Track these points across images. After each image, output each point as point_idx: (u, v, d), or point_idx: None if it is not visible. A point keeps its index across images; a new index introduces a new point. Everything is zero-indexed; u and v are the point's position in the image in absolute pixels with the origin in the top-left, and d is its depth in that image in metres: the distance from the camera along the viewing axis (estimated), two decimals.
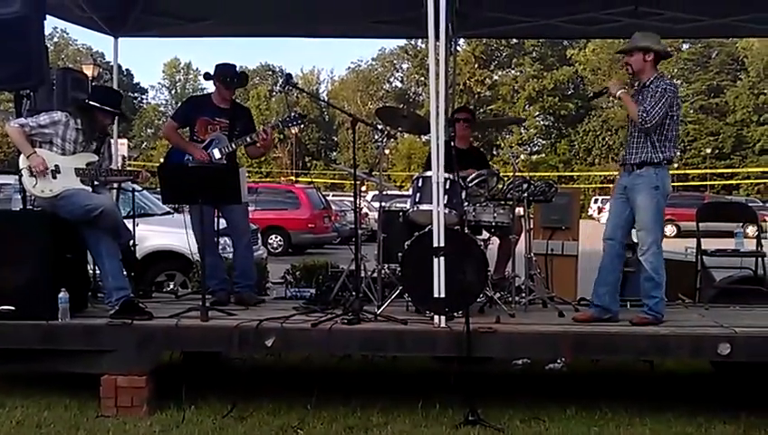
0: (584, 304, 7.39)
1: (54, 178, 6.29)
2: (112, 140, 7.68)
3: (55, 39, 70.20)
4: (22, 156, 6.28)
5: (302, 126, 57.55)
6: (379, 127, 8.05)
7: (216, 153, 7.09)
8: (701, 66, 67.81)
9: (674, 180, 6.87)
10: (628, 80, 6.34)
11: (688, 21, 8.62)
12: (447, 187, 6.29)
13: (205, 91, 7.54)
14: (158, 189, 7.15)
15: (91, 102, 6.50)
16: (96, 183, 6.53)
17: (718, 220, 8.89)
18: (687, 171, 56.27)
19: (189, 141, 7.22)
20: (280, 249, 22.34)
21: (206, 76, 7.37)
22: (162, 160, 8.63)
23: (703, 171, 59.18)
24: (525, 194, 7.08)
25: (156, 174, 6.81)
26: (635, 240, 6.42)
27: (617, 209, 6.43)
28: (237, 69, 7.47)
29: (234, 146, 7.13)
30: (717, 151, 64.16)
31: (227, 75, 7.22)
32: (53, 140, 6.36)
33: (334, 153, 79.45)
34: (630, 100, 6.24)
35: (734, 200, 32.25)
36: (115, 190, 7.57)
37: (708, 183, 57.92)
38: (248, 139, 7.15)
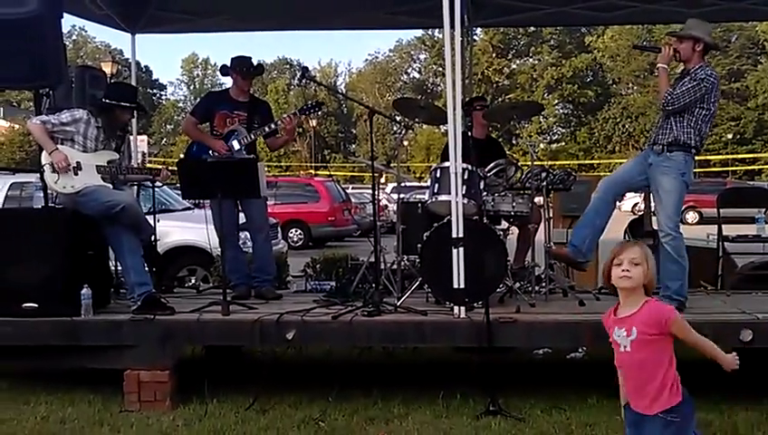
0: (605, 292, 7.35)
1: (76, 174, 6.33)
2: (131, 137, 7.71)
3: (73, 37, 70.76)
4: (44, 152, 6.33)
5: (320, 115, 57.68)
6: (397, 118, 8.04)
7: (236, 144, 7.12)
8: (721, 50, 67.08)
9: (695, 166, 6.82)
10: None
11: (707, 5, 8.53)
12: (466, 177, 6.29)
13: (223, 87, 7.58)
14: (178, 185, 7.19)
15: (107, 101, 6.54)
16: (117, 181, 6.57)
17: (740, 206, 8.83)
18: (709, 157, 55.68)
19: (208, 135, 7.26)
20: (300, 243, 22.37)
21: (223, 70, 7.41)
22: (182, 156, 8.67)
23: (724, 157, 58.58)
24: (544, 183, 7.06)
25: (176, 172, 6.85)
26: (655, 227, 6.38)
27: (631, 168, 6.43)
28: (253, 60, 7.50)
29: (253, 136, 7.17)
30: (739, 137, 63.51)
31: (243, 65, 7.27)
32: (75, 138, 6.41)
33: (353, 146, 79.46)
34: (666, 78, 6.20)
35: (756, 186, 31.88)
36: (136, 186, 7.61)
37: (730, 169, 57.38)
38: (266, 129, 7.19)
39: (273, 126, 7.22)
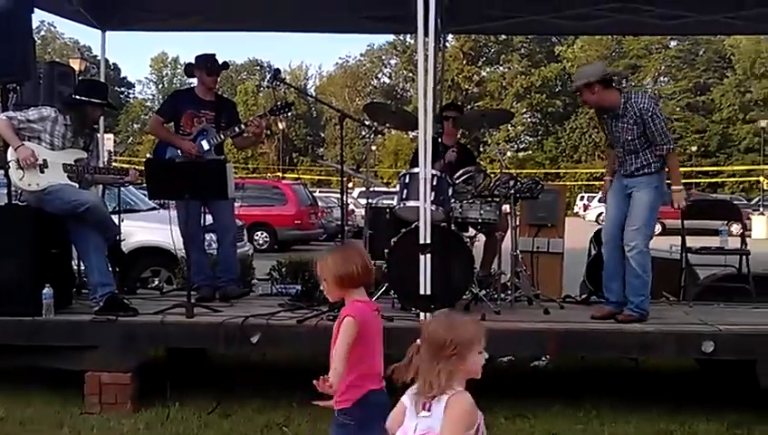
0: (569, 301, 7.43)
1: (42, 172, 6.25)
2: (99, 135, 7.63)
3: (42, 32, 69.68)
4: (9, 149, 6.24)
5: (289, 117, 57.52)
6: (367, 123, 8.04)
7: (205, 144, 7.08)
8: (688, 63, 68.00)
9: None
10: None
11: (676, 17, 8.64)
12: (434, 183, 6.29)
13: (194, 86, 7.54)
14: (145, 185, 7.12)
15: (77, 97, 6.47)
16: (84, 180, 6.50)
17: (703, 218, 8.92)
18: None
19: (176, 135, 7.20)
20: (266, 246, 22.26)
21: (187, 70, 7.40)
22: (148, 155, 8.59)
23: (689, 169, 59.26)
24: (512, 191, 7.08)
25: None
26: None
27: (617, 207, 6.45)
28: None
29: (222, 137, 7.13)
30: (703, 149, 64.38)
31: (208, 61, 7.25)
32: (41, 136, 6.32)
33: (321, 149, 79.33)
34: (675, 174, 6.34)
35: (719, 198, 32.33)
36: (101, 185, 7.53)
37: (694, 181, 58.10)
38: (236, 129, 7.16)
39: (242, 127, 7.19)
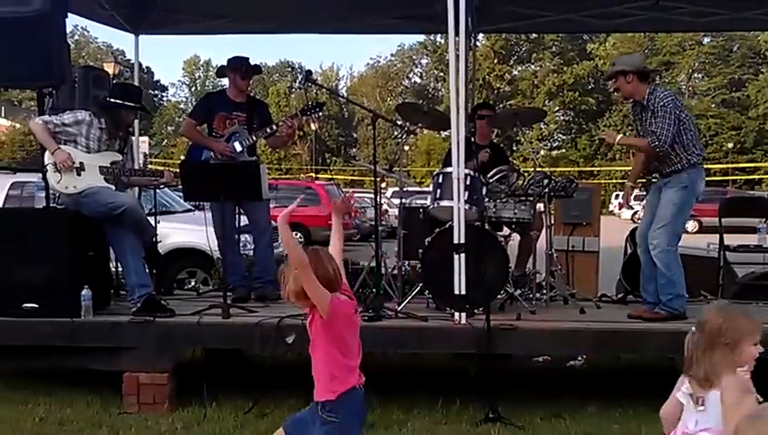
0: (605, 300, 7.38)
1: (79, 175, 6.33)
2: (133, 138, 7.71)
3: (76, 37, 70.59)
4: (47, 152, 6.33)
5: (321, 118, 57.63)
6: (399, 123, 8.04)
7: (237, 146, 7.12)
8: (722, 60, 67.17)
9: (705, 175, 6.84)
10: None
11: (709, 14, 8.55)
12: (468, 183, 6.28)
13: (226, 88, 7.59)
14: (180, 187, 7.18)
15: (112, 100, 6.54)
16: (120, 182, 6.57)
17: (741, 216, 8.82)
18: (709, 166, 55.54)
19: (209, 137, 7.26)
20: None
21: (219, 72, 7.46)
22: (182, 158, 8.67)
23: (725, 166, 58.57)
24: (546, 190, 7.05)
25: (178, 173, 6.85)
26: None
27: (652, 205, 6.44)
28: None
29: (254, 138, 7.17)
30: (739, 146, 63.54)
31: (240, 65, 7.29)
32: (77, 139, 6.40)
33: (354, 150, 79.46)
34: (630, 138, 6.30)
35: (757, 195, 31.92)
36: (137, 187, 7.60)
37: (730, 178, 57.41)
38: (268, 130, 7.19)
39: (273, 127, 7.22)
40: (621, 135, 6.34)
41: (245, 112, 7.26)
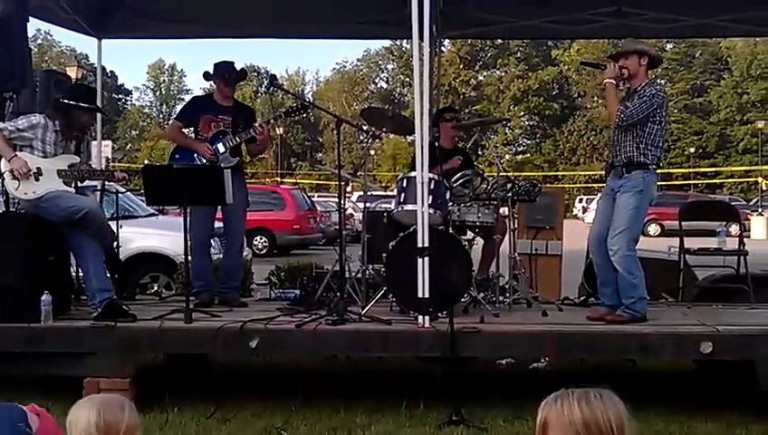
0: (568, 303, 7.44)
1: (37, 180, 6.25)
2: (95, 142, 7.65)
3: (39, 41, 69.63)
4: (2, 160, 6.25)
5: (287, 123, 57.51)
6: (364, 128, 8.05)
7: (221, 147, 7.13)
8: (685, 66, 68.08)
9: (658, 180, 6.88)
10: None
11: (671, 21, 8.67)
12: (432, 187, 6.30)
13: (191, 93, 7.61)
14: (143, 191, 7.14)
15: (64, 101, 6.47)
16: (79, 184, 6.51)
17: (701, 219, 8.94)
18: (671, 171, 56.37)
19: (193, 139, 7.28)
20: (265, 250, 22.27)
21: (206, 76, 7.43)
22: (147, 162, 8.61)
23: (687, 170, 59.34)
24: (509, 194, 7.10)
25: (131, 175, 6.82)
26: None
27: (604, 209, 6.47)
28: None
29: (237, 139, 7.16)
30: (701, 151, 64.38)
31: (226, 71, 7.29)
32: (33, 144, 6.32)
33: (319, 154, 79.33)
34: (614, 93, 6.28)
35: (718, 199, 32.37)
36: (99, 192, 7.54)
37: (692, 182, 58.14)
38: (251, 132, 7.18)
39: (250, 132, 7.20)
40: (613, 82, 6.29)
41: (231, 116, 7.26)
